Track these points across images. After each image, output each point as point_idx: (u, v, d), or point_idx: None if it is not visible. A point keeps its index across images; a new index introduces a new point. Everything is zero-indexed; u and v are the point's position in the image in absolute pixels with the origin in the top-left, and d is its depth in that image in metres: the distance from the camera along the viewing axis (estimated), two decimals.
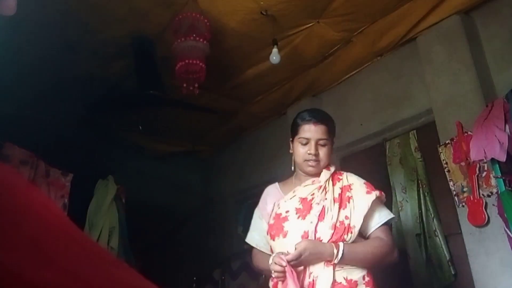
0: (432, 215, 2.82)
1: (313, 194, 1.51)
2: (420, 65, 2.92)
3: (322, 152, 1.55)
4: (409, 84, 3.06)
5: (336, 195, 1.49)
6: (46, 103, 3.33)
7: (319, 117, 1.58)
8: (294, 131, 1.60)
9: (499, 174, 2.21)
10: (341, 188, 1.52)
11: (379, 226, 1.49)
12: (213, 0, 2.52)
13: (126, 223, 3.55)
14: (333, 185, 1.54)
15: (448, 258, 2.69)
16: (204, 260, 4.29)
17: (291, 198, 1.54)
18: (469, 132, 2.46)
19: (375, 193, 1.50)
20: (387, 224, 1.54)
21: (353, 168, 3.43)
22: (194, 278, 3.98)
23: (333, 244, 1.38)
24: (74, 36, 2.74)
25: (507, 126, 2.15)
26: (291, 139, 1.64)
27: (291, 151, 1.64)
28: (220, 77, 3.28)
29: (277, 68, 3.04)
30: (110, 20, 2.63)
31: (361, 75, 3.44)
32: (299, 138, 1.56)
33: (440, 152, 2.67)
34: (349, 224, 1.43)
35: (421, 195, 2.90)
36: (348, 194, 1.50)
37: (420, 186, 2.92)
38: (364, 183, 1.57)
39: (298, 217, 1.47)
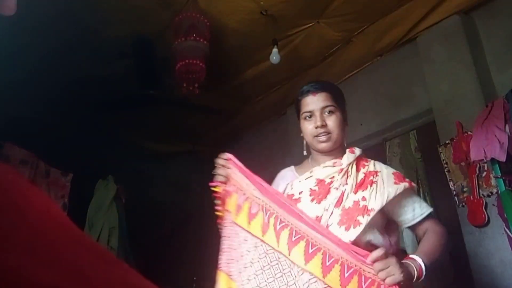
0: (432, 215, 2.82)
1: (333, 177, 1.34)
2: (420, 65, 2.92)
3: (331, 121, 1.38)
4: (409, 84, 3.06)
5: (359, 181, 1.32)
6: (46, 103, 3.33)
7: (318, 85, 1.46)
8: (297, 109, 1.47)
9: (499, 174, 2.21)
10: (365, 174, 1.35)
11: (427, 217, 1.37)
12: (213, 0, 2.52)
13: (126, 223, 3.56)
14: (357, 170, 1.36)
15: (448, 258, 2.69)
16: (204, 260, 4.29)
17: (306, 179, 1.38)
18: (469, 132, 2.46)
19: (403, 184, 1.32)
20: (432, 216, 1.40)
21: None
22: (194, 278, 3.98)
23: (407, 262, 1.15)
24: (74, 37, 2.74)
25: (507, 126, 2.15)
26: (298, 121, 1.49)
27: (301, 135, 1.48)
28: (220, 77, 3.28)
29: (277, 68, 3.04)
30: (110, 21, 2.63)
31: (361, 75, 3.43)
32: (302, 113, 1.42)
33: (440, 152, 2.67)
34: (365, 205, 1.25)
35: (421, 195, 2.89)
36: (372, 178, 1.32)
37: (420, 186, 2.92)
38: (393, 173, 1.37)
39: (312, 200, 1.30)
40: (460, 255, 2.60)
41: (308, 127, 1.40)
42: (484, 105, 2.43)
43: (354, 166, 1.37)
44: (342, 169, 1.35)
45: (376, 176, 1.33)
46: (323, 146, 1.39)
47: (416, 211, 1.37)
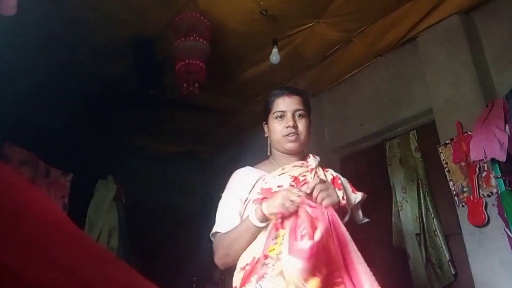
0: (432, 215, 2.82)
1: (305, 175, 1.40)
2: (420, 65, 2.92)
3: (301, 124, 1.44)
4: (409, 84, 3.07)
5: (329, 180, 1.43)
6: (46, 103, 3.33)
7: (292, 89, 1.50)
8: (267, 109, 1.49)
9: (499, 174, 2.21)
10: (333, 177, 1.46)
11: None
12: (213, 0, 2.52)
13: (126, 223, 3.56)
14: (324, 171, 1.47)
15: (448, 258, 2.69)
16: (204, 260, 4.29)
17: (280, 175, 1.41)
18: (469, 132, 2.46)
19: (360, 194, 1.47)
20: None
21: (353, 168, 3.46)
22: (194, 278, 3.98)
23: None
24: (74, 37, 2.74)
25: (507, 126, 2.15)
26: (264, 122, 1.52)
27: (266, 135, 1.52)
28: (220, 77, 3.28)
29: (277, 68, 3.04)
30: (110, 21, 2.63)
31: (361, 75, 3.44)
32: (274, 113, 1.45)
33: (440, 152, 2.67)
34: (345, 204, 1.37)
35: (421, 195, 2.90)
36: (339, 182, 1.45)
37: (420, 186, 2.92)
38: (348, 181, 1.52)
39: None
40: (460, 255, 2.60)
41: (278, 127, 1.44)
42: (484, 105, 2.43)
43: (320, 169, 1.46)
44: (312, 169, 1.42)
45: (339, 180, 1.46)
46: (291, 145, 1.43)
47: (360, 217, 1.50)
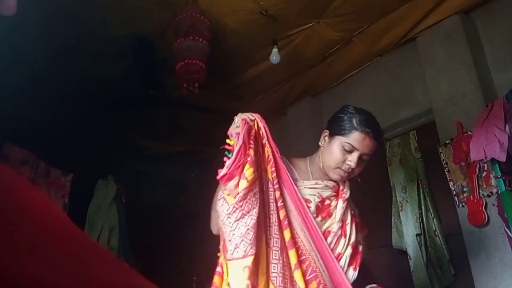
0: (432, 215, 2.82)
1: (330, 200, 1.39)
2: (420, 65, 2.92)
3: (359, 168, 1.37)
4: (409, 84, 3.07)
5: (350, 219, 1.41)
6: (46, 103, 3.33)
7: (378, 133, 1.37)
8: (341, 130, 1.35)
9: (499, 174, 2.21)
10: (352, 215, 1.44)
11: None
12: (213, 0, 2.52)
13: (126, 223, 3.56)
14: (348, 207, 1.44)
15: (448, 258, 2.69)
16: (204, 260, 4.29)
17: (310, 188, 1.36)
18: (469, 132, 2.46)
19: (365, 232, 1.48)
20: None
21: None
22: (194, 278, 3.98)
23: None
24: (74, 36, 2.75)
25: (507, 126, 2.15)
26: (328, 133, 1.41)
27: (321, 144, 1.42)
28: (220, 77, 3.28)
29: (277, 68, 3.04)
30: (110, 20, 2.64)
31: (361, 75, 3.43)
32: (345, 142, 1.33)
33: (440, 152, 2.67)
34: (360, 251, 1.39)
35: (421, 195, 2.90)
36: (356, 219, 1.46)
37: (420, 186, 2.92)
38: (360, 214, 1.51)
39: (317, 216, 1.33)
40: (460, 255, 2.60)
41: (340, 156, 1.34)
42: (484, 105, 2.44)
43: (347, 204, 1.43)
44: (345, 198, 1.41)
45: (357, 218, 1.46)
46: (337, 178, 1.39)
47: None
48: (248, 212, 1.12)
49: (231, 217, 1.11)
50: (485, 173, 2.37)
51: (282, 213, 1.22)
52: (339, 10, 2.69)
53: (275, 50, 2.80)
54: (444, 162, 2.63)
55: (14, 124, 3.09)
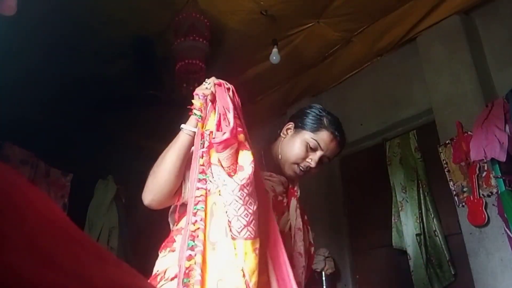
0: (432, 215, 2.82)
1: (282, 197, 1.29)
2: (420, 65, 2.92)
3: (316, 170, 1.30)
4: (409, 84, 3.07)
5: (298, 214, 1.30)
6: (46, 103, 3.33)
7: (344, 140, 1.34)
8: (310, 126, 1.30)
9: (499, 174, 2.21)
10: (301, 213, 1.33)
11: None
12: (213, 0, 2.52)
13: (126, 223, 3.56)
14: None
15: (448, 258, 2.69)
16: None
17: (265, 179, 1.24)
18: (469, 132, 2.46)
19: (313, 233, 1.39)
20: None
21: (353, 168, 3.46)
22: None
23: None
24: (74, 37, 2.75)
25: (507, 126, 2.15)
26: (292, 125, 1.34)
27: (283, 135, 1.34)
28: (220, 77, 3.27)
29: (277, 68, 3.04)
30: (110, 21, 2.64)
31: (361, 75, 3.43)
32: (312, 138, 1.27)
33: (440, 152, 2.67)
34: (310, 249, 1.33)
35: (421, 195, 2.90)
36: (306, 223, 1.35)
37: (420, 186, 2.92)
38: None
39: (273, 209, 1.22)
40: (460, 255, 2.60)
41: (302, 152, 1.27)
42: (484, 105, 2.44)
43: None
44: (298, 198, 1.31)
45: (305, 217, 1.35)
46: (290, 174, 1.30)
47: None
48: (254, 188, 0.99)
49: (244, 190, 0.95)
50: (485, 173, 2.37)
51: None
52: (339, 10, 2.69)
53: (275, 50, 2.80)
54: (444, 162, 2.63)
55: (14, 124, 3.09)
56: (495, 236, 2.31)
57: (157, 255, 1.19)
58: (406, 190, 2.97)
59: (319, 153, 1.27)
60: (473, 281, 2.40)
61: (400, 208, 2.98)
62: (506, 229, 2.17)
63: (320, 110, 1.36)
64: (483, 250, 2.36)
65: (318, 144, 1.27)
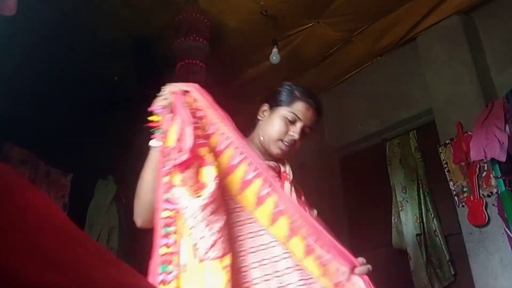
0: (432, 215, 2.82)
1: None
2: (420, 65, 2.92)
3: (300, 142, 1.30)
4: (409, 84, 3.07)
5: (294, 191, 1.29)
6: (46, 103, 3.33)
7: (320, 106, 1.36)
8: (284, 101, 1.33)
9: (499, 174, 2.21)
10: (299, 193, 1.33)
11: None
12: (213, 0, 2.52)
13: (126, 223, 3.55)
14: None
15: (448, 258, 2.69)
16: None
17: None
18: (469, 132, 2.46)
19: (316, 211, 1.37)
20: None
21: (353, 168, 3.46)
22: None
23: None
24: (74, 36, 2.74)
25: (507, 126, 2.15)
26: (268, 106, 1.36)
27: (260, 118, 1.37)
28: (220, 77, 3.28)
29: (277, 68, 3.04)
30: (110, 20, 2.63)
31: (361, 75, 3.44)
32: (289, 112, 1.29)
33: (440, 152, 2.67)
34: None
35: (421, 195, 2.90)
36: (302, 198, 1.34)
37: (420, 186, 2.92)
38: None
39: None
40: (460, 255, 2.60)
41: (282, 128, 1.28)
42: (484, 105, 2.44)
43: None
44: (291, 180, 1.29)
45: (303, 198, 1.34)
46: (278, 153, 1.29)
47: None
48: (220, 203, 0.97)
49: (206, 210, 0.93)
50: (485, 173, 2.37)
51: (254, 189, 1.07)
52: (339, 10, 2.69)
53: (275, 50, 2.80)
54: (444, 162, 2.63)
55: (14, 124, 3.09)
56: (495, 236, 2.31)
57: None
58: (406, 190, 2.97)
59: (299, 124, 1.29)
60: (473, 281, 2.40)
61: (400, 208, 2.98)
62: (506, 229, 2.17)
63: (290, 85, 1.39)
64: (483, 250, 2.36)
65: (296, 115, 1.29)
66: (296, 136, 1.28)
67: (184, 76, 2.56)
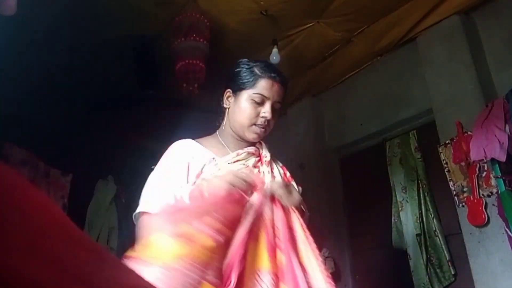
0: (432, 215, 2.82)
1: (257, 166, 1.26)
2: (420, 65, 2.92)
3: (274, 119, 1.26)
4: (409, 84, 3.06)
5: (280, 171, 1.30)
6: (46, 103, 3.33)
7: (284, 78, 1.30)
8: (246, 82, 1.26)
9: (499, 174, 2.21)
10: (283, 170, 1.32)
11: None
12: (213, 0, 2.52)
13: (126, 223, 3.55)
14: (273, 161, 1.31)
15: (448, 258, 2.69)
16: None
17: (234, 162, 1.22)
18: (469, 132, 2.46)
19: (300, 188, 1.33)
20: None
21: (353, 168, 3.46)
22: None
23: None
24: (74, 36, 2.74)
25: (507, 126, 2.15)
26: (230, 91, 1.30)
27: (226, 105, 1.31)
28: (220, 77, 3.28)
29: (277, 68, 3.04)
30: (110, 20, 2.63)
31: (361, 75, 3.43)
32: (254, 93, 1.23)
33: (440, 152, 2.67)
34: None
35: (421, 195, 2.90)
36: (287, 174, 1.32)
37: (420, 186, 2.92)
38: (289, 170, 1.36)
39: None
40: (460, 255, 2.60)
41: (253, 111, 1.23)
42: (484, 105, 2.44)
43: (272, 161, 1.32)
44: (268, 162, 1.28)
45: (288, 173, 1.33)
46: (255, 137, 1.26)
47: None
48: None
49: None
50: (485, 173, 2.37)
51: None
52: (339, 10, 2.69)
53: (275, 50, 2.80)
54: (444, 162, 2.63)
55: (14, 124, 3.09)
56: (495, 236, 2.31)
57: None
58: (406, 190, 2.97)
59: (268, 103, 1.24)
60: (473, 281, 2.40)
61: (400, 208, 2.98)
62: (506, 229, 2.17)
63: (247, 63, 1.33)
64: (483, 250, 2.36)
65: (262, 95, 1.24)
66: (268, 115, 1.23)
67: (184, 76, 2.57)
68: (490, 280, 2.31)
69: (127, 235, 3.54)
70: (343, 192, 3.48)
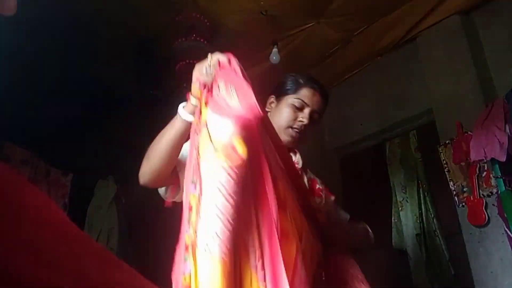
0: (432, 215, 2.82)
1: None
2: (420, 65, 2.92)
3: (310, 127, 1.31)
4: (409, 84, 3.07)
5: (307, 181, 1.33)
6: (46, 103, 3.33)
7: (326, 91, 1.37)
8: (290, 89, 1.32)
9: (499, 174, 2.21)
10: (311, 180, 1.36)
11: None
12: (213, 0, 2.52)
13: (126, 223, 3.55)
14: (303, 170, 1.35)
15: (448, 258, 2.69)
16: None
17: None
18: (469, 132, 2.46)
19: (333, 197, 1.40)
20: None
21: (353, 168, 3.46)
22: None
23: None
24: (74, 37, 2.74)
25: (507, 126, 2.15)
26: (274, 97, 1.36)
27: (268, 109, 1.35)
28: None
29: (277, 68, 3.04)
30: (110, 21, 2.63)
31: (361, 75, 3.43)
32: (295, 98, 1.29)
33: (440, 152, 2.67)
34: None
35: (421, 195, 2.90)
36: (317, 186, 1.38)
37: (420, 186, 2.92)
38: (322, 183, 1.42)
39: None
40: (460, 255, 2.60)
41: (291, 114, 1.28)
42: (484, 105, 2.44)
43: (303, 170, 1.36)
44: (300, 169, 1.32)
45: (317, 185, 1.39)
46: (289, 141, 1.29)
47: (344, 215, 1.56)
48: None
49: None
50: (485, 173, 2.37)
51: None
52: (339, 10, 2.69)
53: (275, 50, 2.80)
54: (444, 162, 2.63)
55: (14, 124, 3.09)
56: (495, 236, 2.31)
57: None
58: (406, 190, 2.97)
59: (307, 110, 1.30)
60: (473, 281, 2.40)
61: (400, 208, 2.98)
62: (506, 229, 2.16)
63: (294, 74, 1.37)
64: (483, 250, 2.36)
65: (303, 101, 1.29)
66: (305, 121, 1.28)
67: (184, 76, 2.57)
68: (490, 280, 2.31)
69: (127, 235, 3.54)
70: (343, 192, 3.48)
